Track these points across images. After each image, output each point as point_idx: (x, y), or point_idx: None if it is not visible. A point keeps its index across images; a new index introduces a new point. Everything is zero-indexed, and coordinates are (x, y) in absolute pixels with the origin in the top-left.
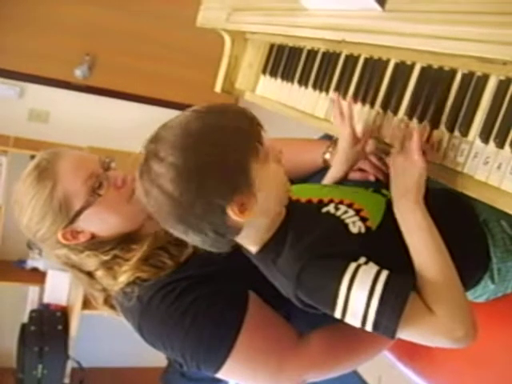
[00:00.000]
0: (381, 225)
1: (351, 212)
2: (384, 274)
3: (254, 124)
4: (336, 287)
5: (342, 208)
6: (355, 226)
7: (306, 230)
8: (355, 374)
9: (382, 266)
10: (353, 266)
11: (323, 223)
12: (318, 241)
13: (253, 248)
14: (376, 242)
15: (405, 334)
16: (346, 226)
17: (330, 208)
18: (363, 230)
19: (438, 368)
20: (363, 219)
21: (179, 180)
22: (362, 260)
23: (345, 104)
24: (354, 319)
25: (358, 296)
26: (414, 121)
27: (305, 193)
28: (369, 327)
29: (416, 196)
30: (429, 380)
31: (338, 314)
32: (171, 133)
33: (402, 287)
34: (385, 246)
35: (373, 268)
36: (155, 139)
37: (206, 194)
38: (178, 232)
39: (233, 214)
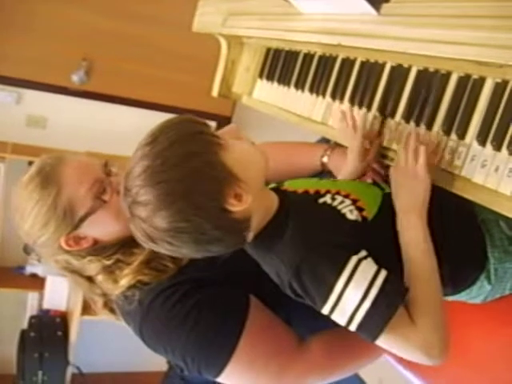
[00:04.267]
0: (377, 216)
1: (348, 201)
2: (381, 276)
3: (198, 123)
4: (333, 282)
5: (339, 198)
6: (352, 214)
7: (305, 220)
8: (356, 376)
9: (375, 256)
10: (354, 260)
11: (321, 213)
12: (317, 232)
13: (250, 236)
14: (371, 232)
15: (382, 340)
16: (343, 215)
17: (327, 199)
18: (360, 218)
19: (438, 370)
20: (359, 209)
21: (173, 209)
22: (363, 254)
23: (358, 116)
24: (340, 317)
25: (351, 295)
26: (411, 124)
27: (301, 185)
28: (353, 327)
29: (421, 212)
30: (428, 382)
31: (326, 310)
32: (136, 179)
33: (394, 296)
34: (380, 236)
35: (372, 267)
36: (127, 192)
37: (202, 207)
38: (199, 254)
39: (233, 207)
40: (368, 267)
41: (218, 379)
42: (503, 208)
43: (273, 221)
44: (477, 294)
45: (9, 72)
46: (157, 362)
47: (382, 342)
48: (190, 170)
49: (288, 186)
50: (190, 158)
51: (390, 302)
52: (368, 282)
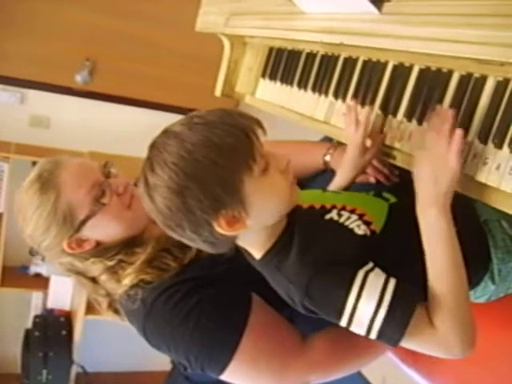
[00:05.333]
0: (384, 229)
1: (354, 217)
2: (391, 283)
3: (248, 137)
4: (344, 297)
5: (345, 214)
6: (360, 229)
7: (311, 238)
8: (359, 374)
9: (386, 270)
10: (361, 274)
11: (328, 231)
12: (324, 250)
13: (256, 254)
14: (381, 245)
15: (404, 342)
16: (350, 230)
17: (333, 215)
18: (368, 232)
19: (442, 369)
20: (367, 223)
21: (166, 195)
22: (370, 266)
23: (363, 112)
24: (359, 328)
25: (365, 307)
26: (414, 122)
27: (306, 199)
28: (373, 336)
29: (443, 206)
30: (432, 381)
31: (343, 323)
32: (166, 144)
33: (408, 300)
34: (389, 249)
35: (381, 276)
36: (153, 147)
37: (190, 210)
38: (175, 236)
39: (220, 228)
40: (376, 278)
41: (221, 377)
42: (505, 206)
43: (279, 240)
44: (481, 294)
45: (12, 72)
46: (161, 362)
47: (403, 344)
48: (203, 175)
49: None
50: (212, 165)
51: (405, 307)
52: (379, 291)
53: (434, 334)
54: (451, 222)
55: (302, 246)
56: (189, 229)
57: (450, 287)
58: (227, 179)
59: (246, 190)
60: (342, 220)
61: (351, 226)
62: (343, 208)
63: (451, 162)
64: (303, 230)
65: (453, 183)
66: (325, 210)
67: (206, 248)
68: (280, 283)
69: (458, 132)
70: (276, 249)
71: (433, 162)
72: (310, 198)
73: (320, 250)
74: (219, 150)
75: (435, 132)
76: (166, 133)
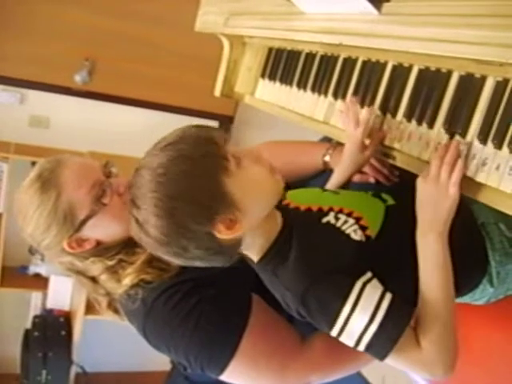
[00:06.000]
0: (380, 234)
1: (351, 221)
2: (386, 299)
3: (213, 142)
4: (339, 309)
5: (342, 217)
6: (356, 235)
7: (308, 245)
8: (359, 374)
9: (381, 274)
10: (358, 285)
11: (325, 237)
12: (321, 257)
13: (254, 257)
14: (375, 251)
15: (390, 359)
16: (347, 235)
17: (330, 218)
18: (363, 238)
19: None
20: (363, 228)
21: (158, 223)
22: (368, 276)
23: (364, 110)
24: (348, 340)
25: (358, 320)
26: (413, 122)
27: (304, 199)
28: (361, 348)
29: (441, 233)
30: (431, 381)
31: (334, 333)
32: (140, 179)
33: (400, 318)
34: (384, 255)
35: (377, 289)
36: (130, 187)
37: (187, 227)
38: (185, 264)
39: (221, 234)
40: (373, 291)
41: (221, 377)
42: (505, 206)
43: (276, 244)
44: (480, 296)
45: (12, 73)
46: (160, 362)
47: (389, 360)
48: (185, 189)
49: (290, 198)
50: (189, 178)
51: (397, 325)
52: (374, 306)
53: (420, 354)
54: (447, 248)
55: (299, 253)
56: (193, 246)
57: (441, 311)
58: (208, 186)
59: (230, 190)
60: (338, 224)
61: (348, 230)
62: (340, 211)
63: (451, 191)
64: (300, 235)
65: (452, 211)
66: (322, 213)
67: (219, 261)
68: (277, 288)
69: (459, 163)
70: (272, 253)
71: (435, 193)
72: (308, 197)
73: (317, 259)
74: (191, 161)
75: (439, 160)
76: (137, 171)
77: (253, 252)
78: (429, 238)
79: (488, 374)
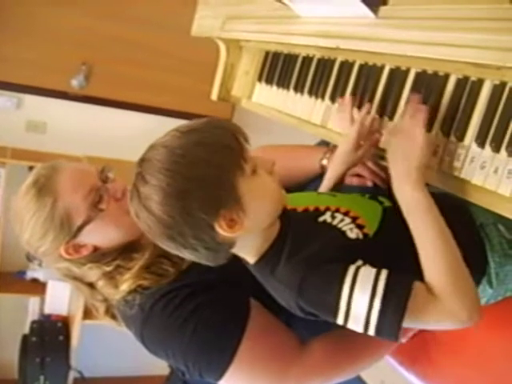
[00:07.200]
0: (378, 232)
1: (347, 220)
2: (384, 273)
3: (236, 139)
4: (338, 291)
5: (339, 216)
6: (352, 233)
7: (304, 241)
8: (358, 378)
9: None
10: (352, 268)
11: (321, 234)
12: (316, 252)
13: (250, 259)
14: (373, 248)
15: (410, 322)
16: (343, 233)
17: (327, 217)
18: (361, 236)
19: (440, 372)
20: (360, 226)
21: (165, 201)
22: (359, 262)
23: (362, 110)
24: (356, 324)
25: (359, 299)
26: None
27: (301, 201)
28: (371, 331)
29: (419, 179)
30: (430, 383)
31: (340, 320)
32: (155, 154)
33: (402, 285)
34: (382, 253)
35: (371, 270)
36: (142, 161)
37: (191, 213)
38: (171, 249)
39: (221, 230)
40: (368, 271)
41: (220, 382)
42: (503, 209)
43: (273, 245)
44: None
45: (8, 77)
46: (158, 366)
47: (410, 324)
48: (200, 175)
49: (287, 202)
50: (206, 165)
51: (400, 291)
52: (372, 280)
53: (437, 304)
54: (428, 195)
55: (293, 249)
56: (190, 235)
57: (443, 254)
58: (223, 178)
59: (241, 190)
60: (335, 222)
61: (344, 228)
62: (337, 210)
63: (417, 135)
64: (296, 233)
65: (422, 156)
66: (319, 213)
67: (207, 258)
68: (275, 288)
69: (423, 107)
70: (269, 254)
71: (400, 142)
72: (304, 200)
73: (311, 252)
74: (212, 150)
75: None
76: (154, 147)
77: (249, 253)
78: (406, 190)
79: (488, 376)
